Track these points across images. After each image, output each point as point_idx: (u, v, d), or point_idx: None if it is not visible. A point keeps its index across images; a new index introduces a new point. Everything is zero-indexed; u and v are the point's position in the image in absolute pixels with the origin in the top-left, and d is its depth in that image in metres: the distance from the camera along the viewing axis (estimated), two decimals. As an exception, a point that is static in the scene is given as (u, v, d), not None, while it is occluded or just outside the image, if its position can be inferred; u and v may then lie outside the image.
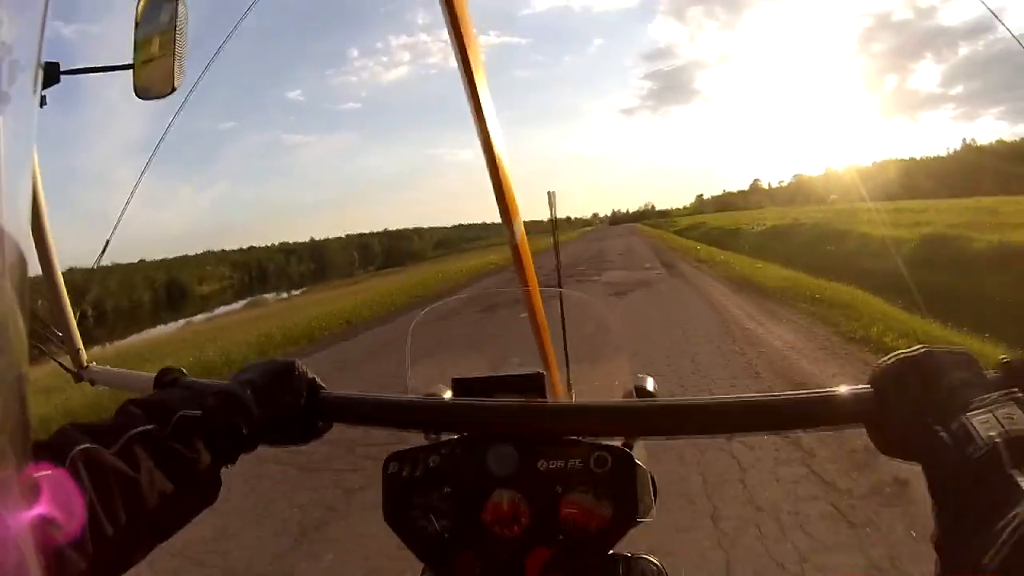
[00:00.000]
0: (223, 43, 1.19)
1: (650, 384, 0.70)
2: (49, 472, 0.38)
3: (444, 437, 0.70)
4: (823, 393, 0.52)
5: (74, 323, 1.11)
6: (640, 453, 0.62)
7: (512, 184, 1.12)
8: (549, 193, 1.08)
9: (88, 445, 0.42)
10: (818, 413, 0.53)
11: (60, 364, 1.11)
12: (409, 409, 0.69)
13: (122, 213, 1.24)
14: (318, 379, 0.65)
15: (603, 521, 0.57)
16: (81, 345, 1.10)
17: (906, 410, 0.45)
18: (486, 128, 1.03)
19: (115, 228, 1.25)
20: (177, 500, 0.47)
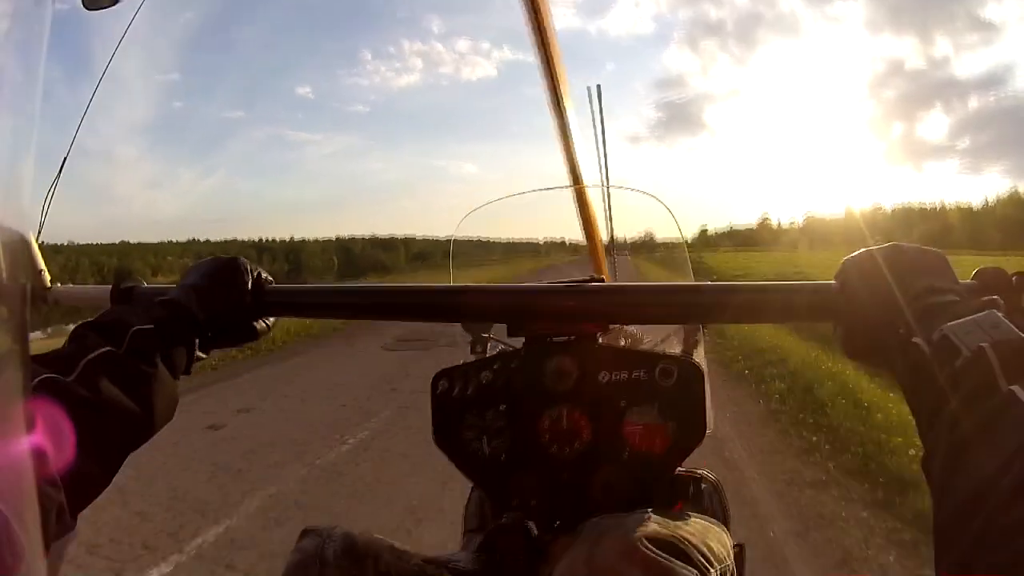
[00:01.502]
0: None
1: None
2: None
3: (493, 351, 0.66)
4: (792, 286, 0.50)
5: (36, 248, 1.12)
6: None
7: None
8: (589, 88, 1.13)
9: (47, 375, 0.42)
10: (788, 305, 0.51)
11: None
12: (360, 294, 0.66)
13: (54, 185, 1.20)
14: (265, 274, 0.63)
15: (669, 438, 0.54)
16: (44, 267, 1.11)
17: (876, 312, 0.41)
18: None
19: (48, 198, 1.21)
20: (141, 417, 0.47)
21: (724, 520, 0.60)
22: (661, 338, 0.74)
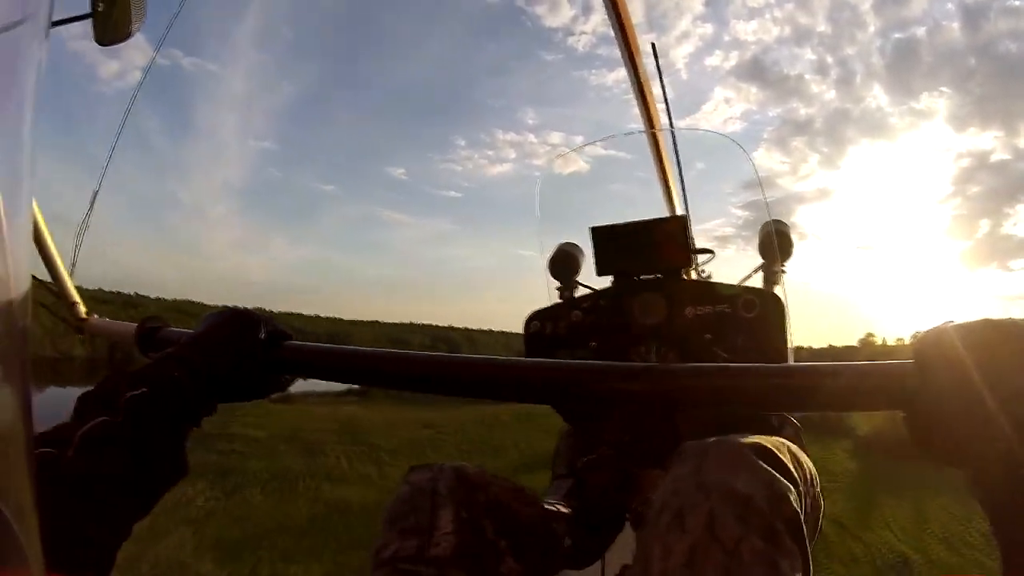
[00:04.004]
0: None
1: None
2: None
3: (581, 292, 0.67)
4: (857, 367, 0.41)
5: (69, 282, 1.21)
6: None
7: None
8: (653, 44, 1.35)
9: (42, 451, 0.41)
10: (844, 390, 0.41)
11: (62, 319, 1.21)
12: (388, 361, 0.57)
13: (84, 223, 1.24)
14: (282, 328, 0.60)
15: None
16: (78, 299, 1.21)
17: (959, 407, 0.33)
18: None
19: (80, 236, 1.25)
20: (143, 482, 0.46)
21: None
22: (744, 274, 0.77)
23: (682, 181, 1.39)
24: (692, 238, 0.79)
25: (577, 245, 0.89)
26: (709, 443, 0.45)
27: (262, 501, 3.55)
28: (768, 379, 0.45)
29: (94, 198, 1.30)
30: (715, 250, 0.91)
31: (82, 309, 1.24)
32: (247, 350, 0.56)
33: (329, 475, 4.20)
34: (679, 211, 1.41)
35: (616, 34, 1.34)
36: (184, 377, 0.51)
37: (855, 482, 4.59)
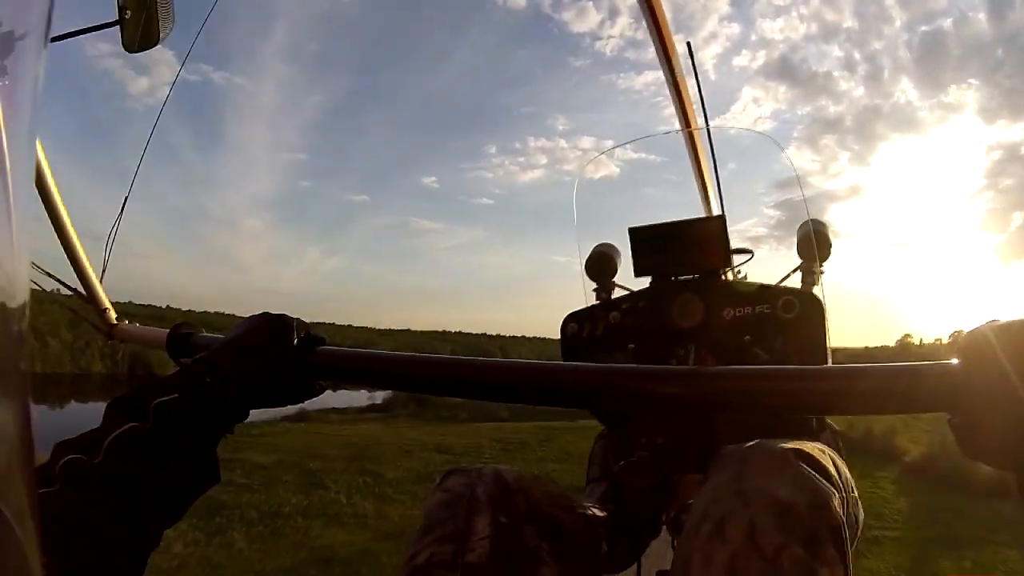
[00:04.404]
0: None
1: None
2: (40, 492, 0.38)
3: (618, 293, 0.67)
4: (900, 368, 0.39)
5: (100, 288, 1.20)
6: None
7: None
8: (689, 43, 1.34)
9: (71, 457, 0.42)
10: (887, 392, 0.39)
11: (92, 325, 1.19)
12: (422, 365, 0.55)
13: (114, 229, 1.24)
14: (315, 333, 0.58)
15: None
16: (108, 305, 1.18)
17: (1009, 407, 0.32)
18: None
19: (110, 243, 1.25)
20: (172, 489, 0.46)
21: None
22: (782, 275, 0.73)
23: (718, 180, 1.40)
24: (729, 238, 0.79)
25: (614, 246, 0.88)
26: (749, 448, 0.44)
27: (244, 547, 3.30)
28: (810, 381, 0.42)
29: (124, 204, 1.29)
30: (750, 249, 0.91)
31: (112, 315, 1.21)
32: (280, 355, 0.55)
33: (325, 512, 3.98)
34: (715, 211, 1.39)
35: (651, 34, 1.32)
36: (215, 383, 0.50)
37: (905, 526, 3.92)
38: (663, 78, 1.37)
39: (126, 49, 0.92)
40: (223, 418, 0.51)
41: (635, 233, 0.74)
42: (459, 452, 5.96)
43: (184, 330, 0.68)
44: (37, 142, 1.14)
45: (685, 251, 0.71)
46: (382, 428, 7.27)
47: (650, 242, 0.73)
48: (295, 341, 0.55)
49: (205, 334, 0.68)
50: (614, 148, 1.25)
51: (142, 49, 0.92)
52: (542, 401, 0.50)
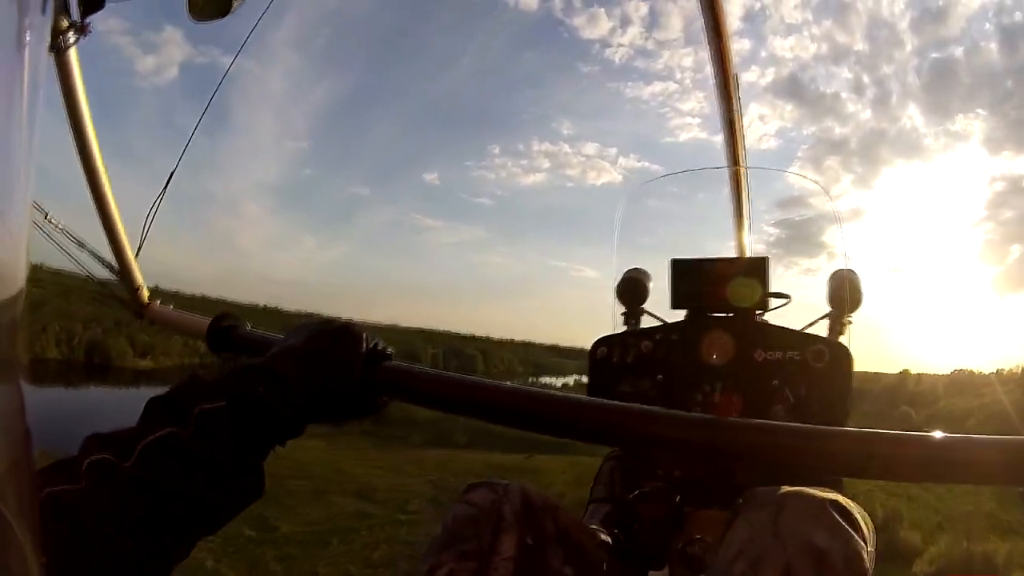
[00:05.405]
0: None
1: None
2: (65, 488, 0.37)
3: (646, 320, 0.69)
4: (983, 441, 0.38)
5: (135, 266, 1.15)
6: None
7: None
8: (735, 76, 1.35)
9: (100, 456, 0.39)
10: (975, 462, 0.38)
11: (122, 302, 1.14)
12: (486, 392, 0.53)
13: (154, 207, 1.20)
14: (383, 346, 0.55)
15: (816, 419, 0.54)
16: (142, 284, 1.13)
17: None
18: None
19: (149, 220, 1.22)
20: (210, 502, 0.43)
21: None
22: (810, 321, 0.73)
23: (750, 214, 1.46)
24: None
25: (645, 272, 0.88)
26: (786, 493, 0.45)
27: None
28: (834, 442, 0.41)
29: (169, 179, 1.23)
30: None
31: (145, 294, 1.17)
32: (347, 367, 0.51)
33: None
34: (748, 250, 1.44)
35: (713, 65, 1.34)
36: (269, 393, 0.46)
37: None
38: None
39: (191, 17, 0.87)
40: (275, 432, 0.47)
41: (677, 265, 0.73)
42: (380, 500, 4.60)
43: (227, 322, 0.64)
44: (88, 122, 1.09)
45: (724, 288, 0.71)
46: (322, 449, 6.11)
47: (690, 275, 0.73)
48: (359, 357, 0.52)
49: (251, 329, 0.64)
50: (664, 176, 1.28)
51: (210, 18, 0.87)
52: (584, 438, 0.50)
